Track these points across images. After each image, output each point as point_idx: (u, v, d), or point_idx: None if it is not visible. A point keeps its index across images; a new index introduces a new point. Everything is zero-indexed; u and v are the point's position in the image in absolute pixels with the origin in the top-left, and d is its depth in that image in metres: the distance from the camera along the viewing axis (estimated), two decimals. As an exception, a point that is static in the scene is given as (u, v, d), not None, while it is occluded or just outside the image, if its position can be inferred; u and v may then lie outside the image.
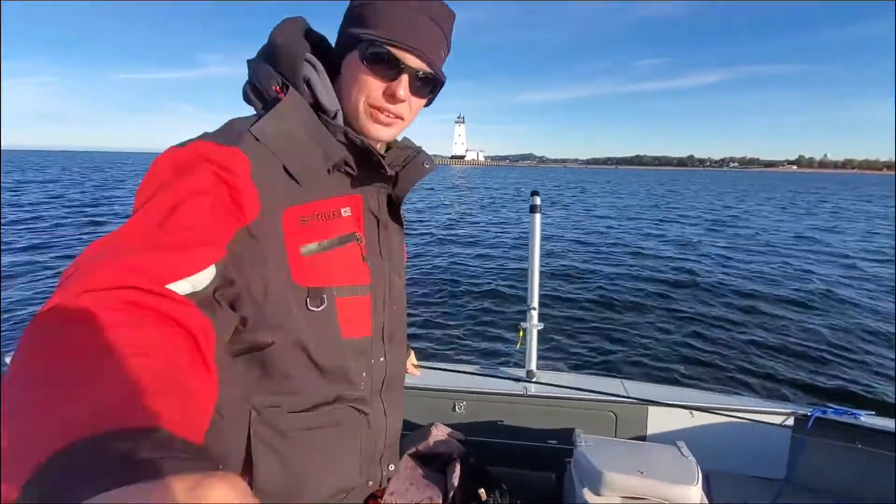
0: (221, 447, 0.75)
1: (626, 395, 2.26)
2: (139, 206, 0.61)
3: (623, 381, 2.42)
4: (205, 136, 0.70)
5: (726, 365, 5.40)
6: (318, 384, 0.82)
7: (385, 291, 0.93)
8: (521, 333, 2.41)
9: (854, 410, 2.15)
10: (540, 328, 2.35)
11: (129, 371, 0.38)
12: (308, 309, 0.77)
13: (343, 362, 0.84)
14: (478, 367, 2.52)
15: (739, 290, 7.94)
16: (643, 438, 2.21)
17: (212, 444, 0.75)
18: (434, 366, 2.65)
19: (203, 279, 0.60)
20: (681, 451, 1.73)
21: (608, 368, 5.31)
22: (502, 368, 2.50)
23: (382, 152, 0.90)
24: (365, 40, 0.75)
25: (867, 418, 2.07)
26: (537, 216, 2.36)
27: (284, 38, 0.77)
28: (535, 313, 2.35)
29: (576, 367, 5.24)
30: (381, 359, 0.93)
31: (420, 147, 0.97)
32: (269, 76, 0.76)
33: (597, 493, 1.58)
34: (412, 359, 1.28)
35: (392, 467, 1.01)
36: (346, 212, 0.83)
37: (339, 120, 0.82)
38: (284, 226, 0.73)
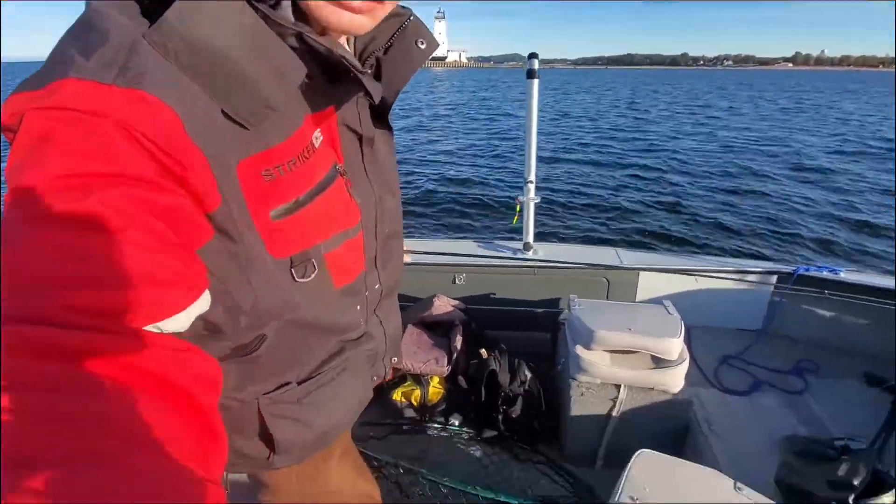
0: (235, 428, 0.72)
1: (619, 262, 2.35)
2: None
3: (617, 250, 2.50)
4: (71, 66, 0.42)
5: (718, 232, 5.55)
6: (320, 345, 0.77)
7: (376, 217, 0.79)
8: (518, 208, 2.42)
9: (835, 266, 2.26)
10: (537, 201, 2.35)
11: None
12: (296, 281, 0.65)
13: (340, 313, 0.76)
14: (477, 241, 2.58)
15: (732, 167, 7.81)
16: (634, 301, 2.35)
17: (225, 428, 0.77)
18: (434, 241, 2.70)
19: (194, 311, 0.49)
20: (667, 310, 1.85)
21: (603, 241, 5.47)
22: (500, 242, 2.56)
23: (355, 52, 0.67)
24: None
25: (846, 273, 2.17)
26: (535, 82, 2.21)
27: None
28: (531, 186, 2.33)
29: (572, 239, 5.40)
30: (377, 286, 0.84)
31: (411, 12, 0.68)
32: None
33: (588, 348, 1.72)
34: (404, 245, 1.19)
35: (395, 360, 0.98)
36: (317, 139, 0.63)
37: (286, 12, 0.53)
38: (244, 188, 0.53)
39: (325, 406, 0.79)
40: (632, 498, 1.12)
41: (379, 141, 0.78)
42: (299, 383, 0.75)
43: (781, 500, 1.22)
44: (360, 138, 0.73)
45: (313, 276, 0.66)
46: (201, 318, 0.52)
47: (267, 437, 0.75)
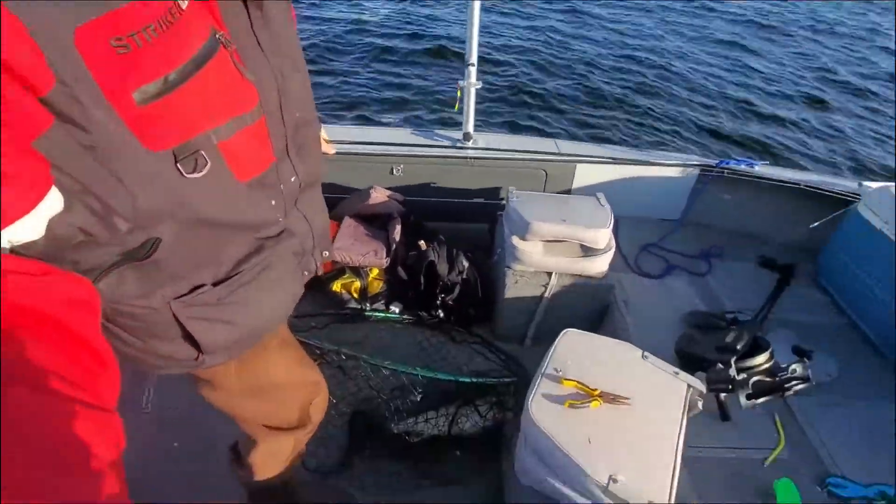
0: (152, 334, 0.69)
1: (557, 152, 2.36)
2: None
3: (556, 140, 2.49)
4: None
5: (653, 123, 5.70)
6: (233, 243, 0.71)
7: (280, 100, 0.69)
8: (458, 93, 2.28)
9: (752, 160, 2.41)
10: (478, 87, 2.22)
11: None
12: (185, 177, 0.56)
13: (249, 209, 0.69)
14: (414, 130, 2.45)
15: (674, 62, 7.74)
16: (569, 192, 2.42)
17: (139, 335, 0.69)
18: (370, 129, 2.53)
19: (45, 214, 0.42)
20: (599, 201, 1.92)
21: (542, 131, 5.44)
22: (439, 132, 2.45)
23: None
24: None
25: (761, 167, 2.33)
26: None
27: None
28: (473, 70, 2.18)
29: (512, 129, 5.32)
30: (293, 178, 0.76)
31: None
32: None
33: (523, 238, 1.78)
34: (324, 133, 1.04)
35: (326, 253, 0.94)
36: (184, 0, 0.51)
37: None
38: (89, 63, 0.44)
39: (250, 305, 0.76)
40: (556, 370, 1.24)
41: (272, 6, 0.65)
42: (215, 284, 0.70)
43: (679, 367, 1.41)
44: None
45: (206, 169, 0.58)
46: (69, 225, 0.46)
47: (191, 339, 0.72)
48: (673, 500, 1.03)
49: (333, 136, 2.26)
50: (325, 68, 6.12)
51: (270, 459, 1.16)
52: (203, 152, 0.57)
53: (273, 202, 0.73)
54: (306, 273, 0.91)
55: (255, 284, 0.75)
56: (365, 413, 1.65)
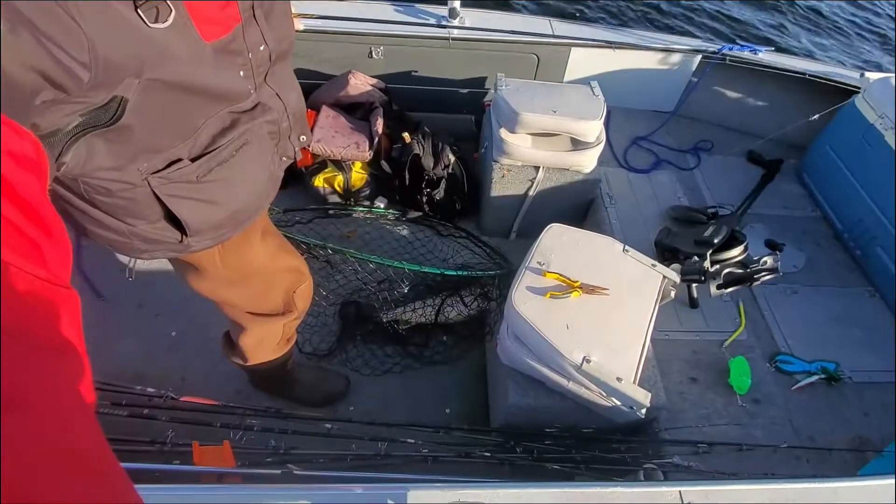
0: (133, 213, 0.69)
1: (551, 34, 2.17)
2: None
3: (550, 19, 2.28)
4: None
5: (658, 6, 5.23)
6: (202, 113, 0.67)
7: None
8: (445, -40, 2.02)
9: (756, 46, 2.26)
10: None
11: None
12: (148, 26, 0.52)
13: (216, 74, 0.64)
14: (395, 4, 2.20)
15: None
16: (562, 79, 2.28)
17: (120, 215, 0.69)
18: (344, 3, 2.27)
19: None
20: (592, 91, 1.82)
21: (536, 9, 4.96)
22: (423, 7, 2.21)
23: None
24: None
25: (765, 54, 2.20)
26: None
27: None
28: None
29: (502, 5, 4.85)
30: (262, 47, 0.71)
31: None
32: None
33: (512, 131, 1.71)
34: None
35: (303, 138, 0.91)
36: None
37: None
38: None
39: (230, 183, 0.75)
40: (539, 263, 1.28)
41: None
42: (193, 160, 0.69)
43: (657, 259, 1.47)
44: None
45: (170, 19, 0.54)
46: (23, 64, 0.42)
47: (173, 219, 0.72)
48: (638, 378, 1.13)
49: (301, 9, 2.04)
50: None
51: (260, 345, 1.22)
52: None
53: (241, 72, 0.69)
54: (285, 158, 0.89)
55: (233, 162, 0.74)
56: (354, 303, 1.72)
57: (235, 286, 1.01)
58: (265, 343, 1.22)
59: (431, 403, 1.59)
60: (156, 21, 0.52)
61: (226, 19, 0.63)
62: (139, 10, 0.51)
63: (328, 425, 1.16)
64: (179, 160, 0.67)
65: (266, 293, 1.08)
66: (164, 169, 0.67)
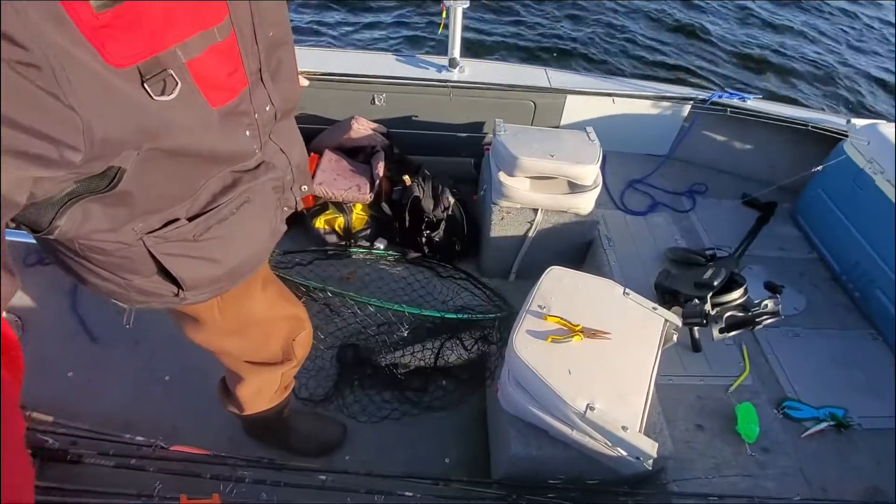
0: (129, 269, 0.68)
1: (547, 84, 2.26)
2: None
3: (546, 69, 2.37)
4: None
5: (649, 55, 5.46)
6: (204, 176, 0.67)
7: (252, 15, 0.63)
8: (444, 13, 2.12)
9: (744, 94, 2.35)
10: (465, 6, 2.06)
11: None
12: (154, 100, 0.51)
13: (223, 139, 0.64)
14: (397, 56, 2.30)
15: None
16: (558, 125, 2.35)
17: (116, 270, 0.68)
18: (348, 53, 2.37)
19: None
20: (588, 136, 1.87)
21: (533, 56, 5.17)
22: (423, 57, 2.30)
23: None
24: None
25: (753, 101, 2.28)
26: None
27: None
28: None
29: (502, 52, 5.05)
30: (268, 107, 0.71)
31: None
32: None
33: (510, 175, 1.74)
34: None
35: (305, 188, 0.91)
36: None
37: None
38: None
39: (230, 241, 0.74)
40: (540, 307, 1.27)
41: None
42: (190, 219, 0.68)
43: (657, 301, 1.46)
44: None
45: (176, 91, 0.53)
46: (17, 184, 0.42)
47: (168, 276, 0.71)
48: (644, 426, 1.10)
49: (309, 61, 2.13)
50: (298, -18, 5.61)
51: (258, 395, 1.19)
52: (172, 72, 0.52)
53: (248, 133, 0.69)
54: (286, 209, 0.88)
55: (233, 220, 0.72)
56: (353, 346, 1.69)
57: (233, 336, 0.99)
58: (263, 392, 1.19)
59: (430, 452, 1.54)
60: (162, 94, 0.52)
61: (233, 84, 0.63)
62: (145, 85, 0.50)
63: (322, 477, 1.11)
64: (177, 220, 0.66)
65: (265, 342, 1.06)
66: (160, 229, 0.66)
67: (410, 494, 1.10)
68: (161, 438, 1.14)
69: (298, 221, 2.03)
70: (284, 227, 0.88)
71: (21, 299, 1.80)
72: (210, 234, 0.71)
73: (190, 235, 0.69)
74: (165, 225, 0.66)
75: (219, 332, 0.95)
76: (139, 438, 1.14)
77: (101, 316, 1.76)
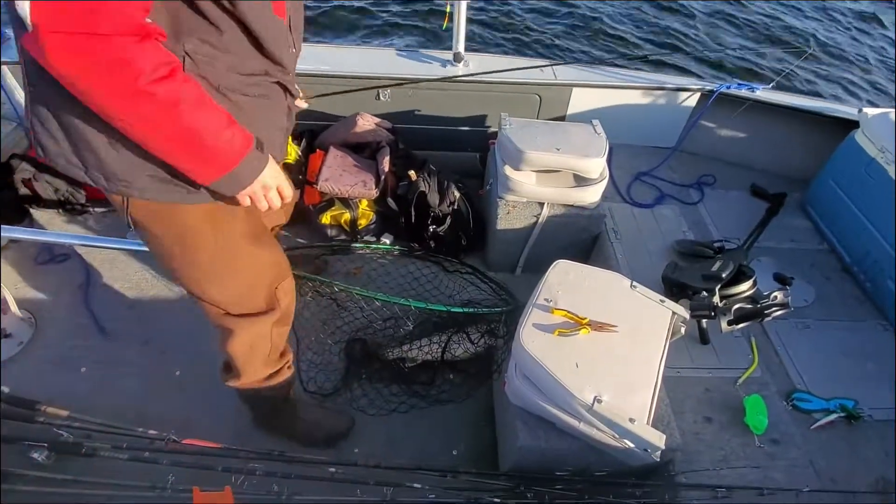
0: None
1: (552, 77, 2.24)
2: None
3: (552, 61, 2.36)
4: None
5: (655, 46, 5.40)
6: (250, 52, 0.83)
7: None
8: (448, 8, 2.11)
9: (753, 84, 2.32)
10: (469, 0, 2.05)
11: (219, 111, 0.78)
12: None
13: (274, 36, 0.83)
14: (401, 51, 2.29)
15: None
16: (564, 118, 2.33)
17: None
18: (352, 49, 2.37)
19: None
20: (594, 129, 1.86)
21: (538, 50, 5.14)
22: (428, 52, 2.30)
23: None
24: None
25: (762, 92, 2.25)
26: None
27: None
28: None
29: (506, 50, 5.02)
30: (292, 50, 0.91)
31: None
32: None
33: (516, 168, 1.74)
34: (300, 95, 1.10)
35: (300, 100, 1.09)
36: None
37: None
38: None
39: (242, 117, 0.83)
40: (546, 300, 1.27)
41: None
42: (224, 70, 0.81)
43: (665, 294, 1.45)
44: None
45: None
46: None
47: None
48: (652, 418, 1.10)
49: (315, 57, 2.13)
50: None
51: (251, 352, 1.20)
52: None
53: (285, 56, 0.88)
54: (287, 126, 1.02)
55: (253, 102, 0.87)
56: (360, 341, 1.70)
57: (220, 278, 1.03)
58: (256, 350, 1.20)
59: (438, 444, 1.55)
60: None
61: (280, 9, 0.84)
62: None
63: (332, 469, 1.12)
64: (214, 59, 0.79)
65: (249, 289, 1.09)
66: (200, 56, 0.78)
67: (419, 486, 1.11)
68: (173, 432, 1.15)
69: (305, 218, 2.04)
70: (290, 127, 1.03)
71: (33, 296, 1.83)
72: (231, 97, 0.83)
73: (216, 81, 0.80)
74: (204, 56, 0.78)
75: (209, 265, 1.00)
76: (152, 432, 1.15)
77: (113, 312, 1.79)
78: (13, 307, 1.68)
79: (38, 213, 2.07)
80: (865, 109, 2.00)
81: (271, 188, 0.91)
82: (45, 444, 1.20)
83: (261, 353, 1.22)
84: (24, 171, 1.99)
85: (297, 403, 1.45)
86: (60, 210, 2.06)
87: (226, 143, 0.78)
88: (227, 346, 1.18)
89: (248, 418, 1.50)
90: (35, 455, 1.22)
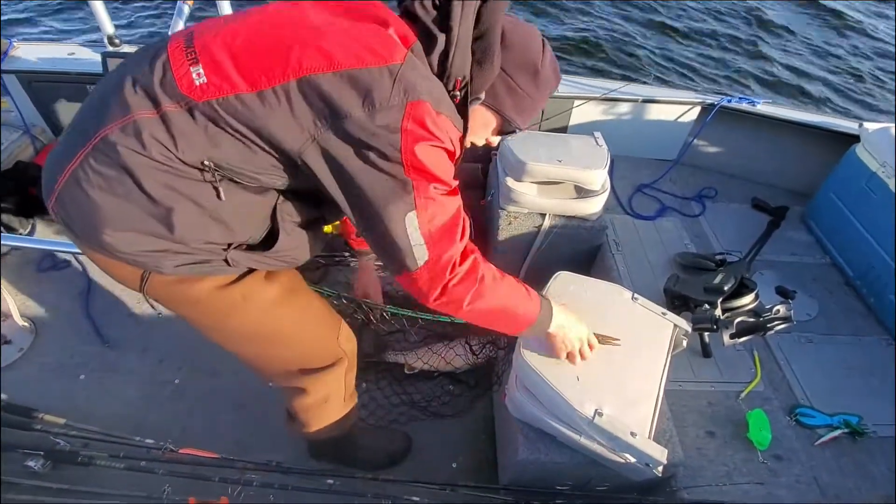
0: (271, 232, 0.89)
1: (556, 90, 2.26)
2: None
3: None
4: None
5: (657, 60, 5.45)
6: (314, 212, 0.93)
7: None
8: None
9: (754, 98, 2.34)
10: None
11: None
12: None
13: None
14: None
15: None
16: (566, 129, 2.35)
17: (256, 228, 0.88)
18: None
19: None
20: (596, 141, 1.87)
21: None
22: None
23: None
24: (507, 128, 1.03)
25: (763, 105, 2.27)
26: None
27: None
28: None
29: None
30: None
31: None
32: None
33: (518, 180, 1.74)
34: None
35: None
36: None
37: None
38: None
39: (306, 238, 0.92)
40: None
41: None
42: (302, 216, 0.91)
43: (667, 307, 1.45)
44: None
45: None
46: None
47: (272, 237, 0.88)
48: (653, 432, 1.09)
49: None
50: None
51: (326, 403, 1.19)
52: None
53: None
54: None
55: (310, 230, 0.94)
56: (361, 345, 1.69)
57: (278, 340, 1.03)
58: (332, 399, 1.19)
59: (438, 457, 1.53)
60: None
61: None
62: None
63: (330, 481, 1.11)
64: (298, 213, 0.92)
65: (311, 347, 1.10)
66: (290, 211, 0.90)
67: (417, 499, 1.10)
68: (170, 441, 1.14)
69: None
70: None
71: (34, 303, 1.83)
72: (304, 228, 0.93)
73: (297, 221, 0.90)
74: (290, 213, 0.89)
75: (264, 329, 1.00)
76: (149, 441, 1.15)
77: (112, 319, 1.79)
78: (14, 314, 1.68)
79: (41, 221, 2.08)
80: (866, 124, 2.01)
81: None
82: (42, 453, 1.20)
83: (337, 401, 1.22)
84: (29, 178, 2.01)
85: (354, 429, 1.39)
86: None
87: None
88: (296, 402, 1.17)
89: (248, 431, 1.49)
90: (31, 463, 1.21)
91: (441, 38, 0.77)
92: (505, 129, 0.99)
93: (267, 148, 0.75)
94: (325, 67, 0.70)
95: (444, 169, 0.79)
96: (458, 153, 0.84)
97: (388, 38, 0.74)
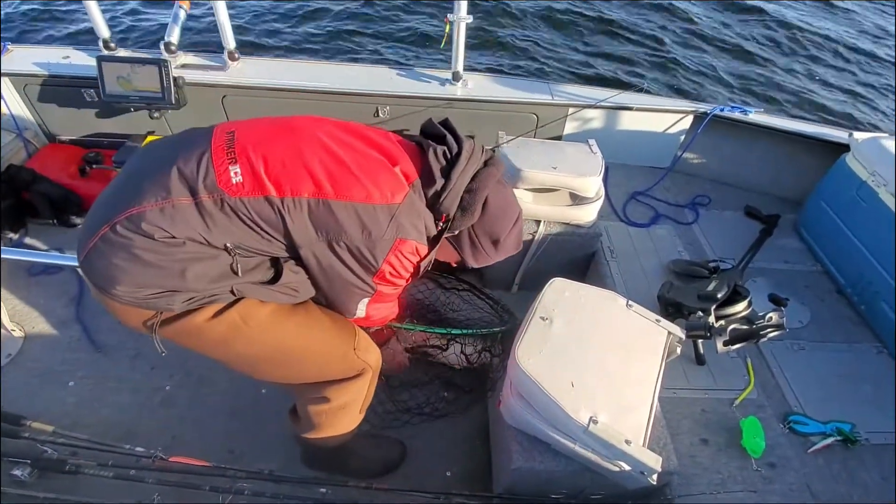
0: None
1: (549, 97, 2.28)
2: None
3: (549, 83, 2.39)
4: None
5: (650, 69, 5.51)
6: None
7: None
8: (447, 28, 2.15)
9: (746, 107, 2.36)
10: (469, 21, 2.09)
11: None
12: None
13: None
14: (400, 70, 2.33)
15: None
16: (561, 137, 2.36)
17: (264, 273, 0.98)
18: (351, 67, 2.40)
19: None
20: (591, 149, 1.88)
21: (535, 71, 5.22)
22: (427, 71, 2.33)
23: None
24: (463, 264, 1.17)
25: (755, 114, 2.29)
26: None
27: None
28: (464, 4, 2.04)
29: (504, 70, 5.11)
30: None
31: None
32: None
33: (513, 186, 1.75)
34: None
35: None
36: None
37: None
38: None
39: (304, 280, 1.00)
40: (542, 318, 1.27)
41: None
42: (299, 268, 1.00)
43: (660, 314, 1.45)
44: None
45: None
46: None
47: (277, 275, 0.97)
48: (648, 440, 1.09)
49: (317, 76, 2.15)
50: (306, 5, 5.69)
51: (342, 410, 1.20)
52: None
53: None
54: None
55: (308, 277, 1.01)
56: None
57: (288, 354, 1.07)
58: (350, 407, 1.20)
59: (431, 465, 1.52)
60: None
61: None
62: None
63: (323, 489, 1.10)
64: (297, 269, 1.00)
65: (325, 356, 1.11)
66: (291, 266, 0.99)
67: (411, 508, 1.09)
68: (160, 449, 1.13)
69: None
70: None
71: (25, 307, 1.80)
72: (302, 274, 1.00)
73: (296, 269, 0.99)
74: (292, 267, 0.99)
75: (286, 344, 1.05)
76: (139, 449, 1.13)
77: (104, 325, 1.76)
78: (3, 318, 1.66)
79: (33, 224, 2.06)
80: (856, 134, 2.04)
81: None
82: (29, 461, 1.18)
83: (352, 412, 1.22)
84: (21, 182, 1.99)
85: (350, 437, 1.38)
86: (55, 221, 2.05)
87: None
88: (312, 406, 1.18)
89: (240, 438, 1.47)
90: (17, 472, 1.19)
91: (440, 182, 0.96)
92: (462, 264, 1.16)
93: (280, 240, 0.90)
94: (340, 197, 0.88)
95: (404, 276, 1.00)
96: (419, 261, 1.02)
97: (393, 178, 0.92)
